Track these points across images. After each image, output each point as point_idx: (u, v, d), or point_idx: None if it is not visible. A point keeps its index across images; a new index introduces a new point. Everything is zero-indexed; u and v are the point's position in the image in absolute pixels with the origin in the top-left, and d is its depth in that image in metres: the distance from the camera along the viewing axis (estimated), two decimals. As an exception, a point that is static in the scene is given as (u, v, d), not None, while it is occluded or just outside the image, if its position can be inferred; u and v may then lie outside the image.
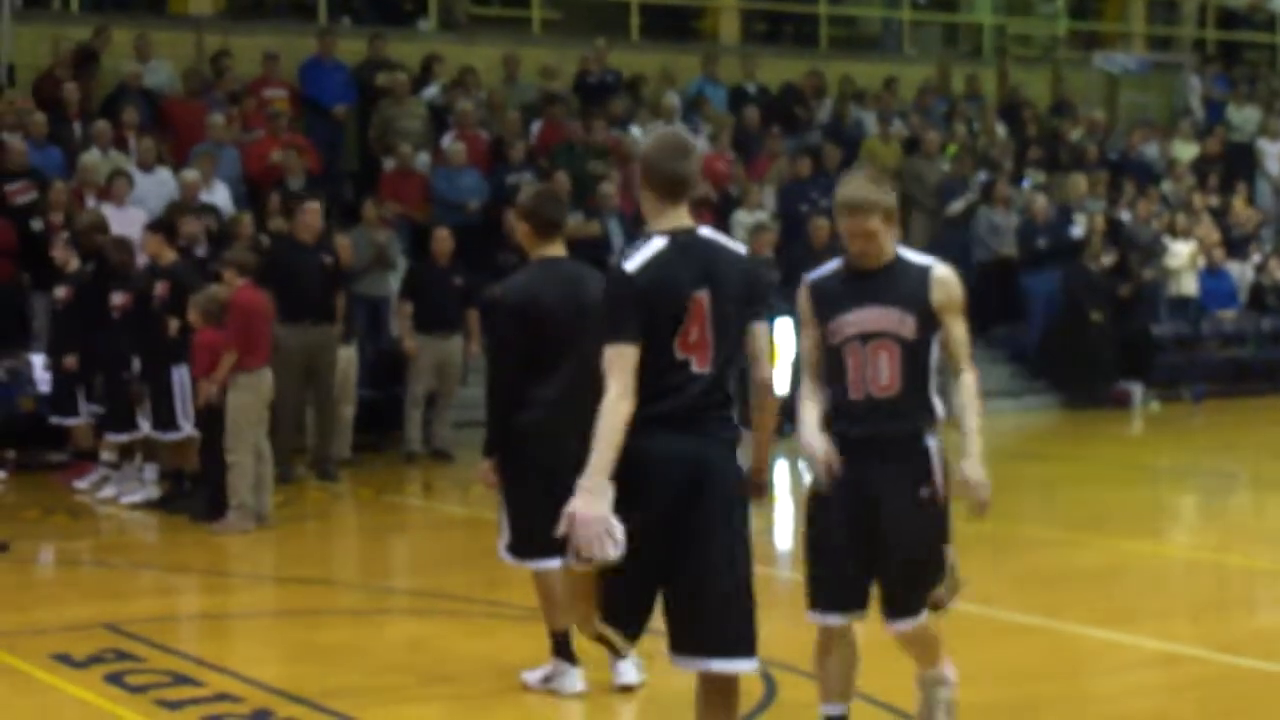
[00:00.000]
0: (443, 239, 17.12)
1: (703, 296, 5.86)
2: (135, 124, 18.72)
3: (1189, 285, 23.22)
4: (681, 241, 5.92)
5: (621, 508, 5.68)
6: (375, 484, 15.92)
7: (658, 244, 5.91)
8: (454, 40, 23.06)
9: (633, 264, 5.87)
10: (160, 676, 8.71)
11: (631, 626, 5.95)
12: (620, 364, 5.73)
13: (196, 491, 13.78)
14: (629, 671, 8.09)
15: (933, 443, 6.49)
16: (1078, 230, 22.26)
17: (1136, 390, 21.80)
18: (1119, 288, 21.88)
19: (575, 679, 8.09)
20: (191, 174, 17.84)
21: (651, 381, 5.79)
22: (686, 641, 5.90)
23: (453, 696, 8.36)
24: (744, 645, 5.95)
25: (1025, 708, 8.08)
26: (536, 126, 21.17)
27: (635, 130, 21.37)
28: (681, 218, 5.97)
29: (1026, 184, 23.51)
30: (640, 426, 5.76)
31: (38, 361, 16.14)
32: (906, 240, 21.17)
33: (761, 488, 6.33)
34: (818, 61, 25.23)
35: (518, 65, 22.15)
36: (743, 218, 20.18)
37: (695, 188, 6.06)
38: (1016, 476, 16.14)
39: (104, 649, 9.26)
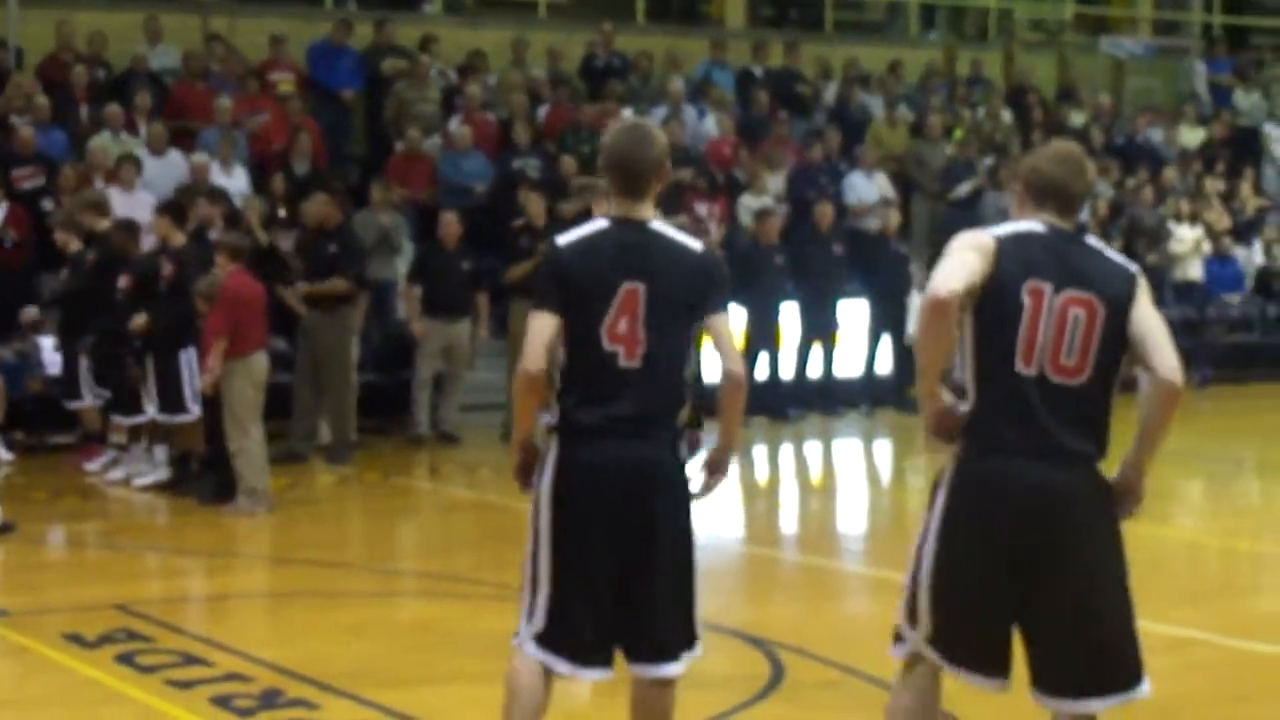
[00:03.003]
0: (450, 223, 17.20)
1: (636, 288, 5.75)
2: (147, 107, 18.74)
3: (1194, 270, 23.22)
4: (626, 229, 5.84)
5: (565, 514, 5.76)
6: (383, 467, 15.95)
7: (599, 224, 5.89)
8: (460, 24, 23.06)
9: (566, 238, 5.88)
10: (170, 657, 8.76)
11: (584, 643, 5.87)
12: (534, 330, 5.75)
13: (204, 474, 13.83)
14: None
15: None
16: (1083, 215, 22.24)
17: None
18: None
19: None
20: (201, 157, 17.87)
21: (580, 369, 5.77)
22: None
23: (462, 677, 8.39)
24: (675, 646, 5.91)
25: (1032, 690, 8.11)
26: (543, 110, 21.17)
27: (626, 112, 21.34)
28: (638, 210, 5.87)
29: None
30: (575, 426, 5.77)
31: (47, 344, 16.16)
32: (910, 225, 21.41)
33: (716, 468, 6.04)
34: (823, 45, 25.22)
35: (526, 49, 22.14)
36: (749, 202, 20.19)
37: (656, 180, 5.90)
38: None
39: (114, 629, 9.31)
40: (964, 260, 5.41)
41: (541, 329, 5.75)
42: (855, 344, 19.70)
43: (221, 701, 7.88)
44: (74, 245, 15.04)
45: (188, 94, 19.61)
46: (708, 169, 20.74)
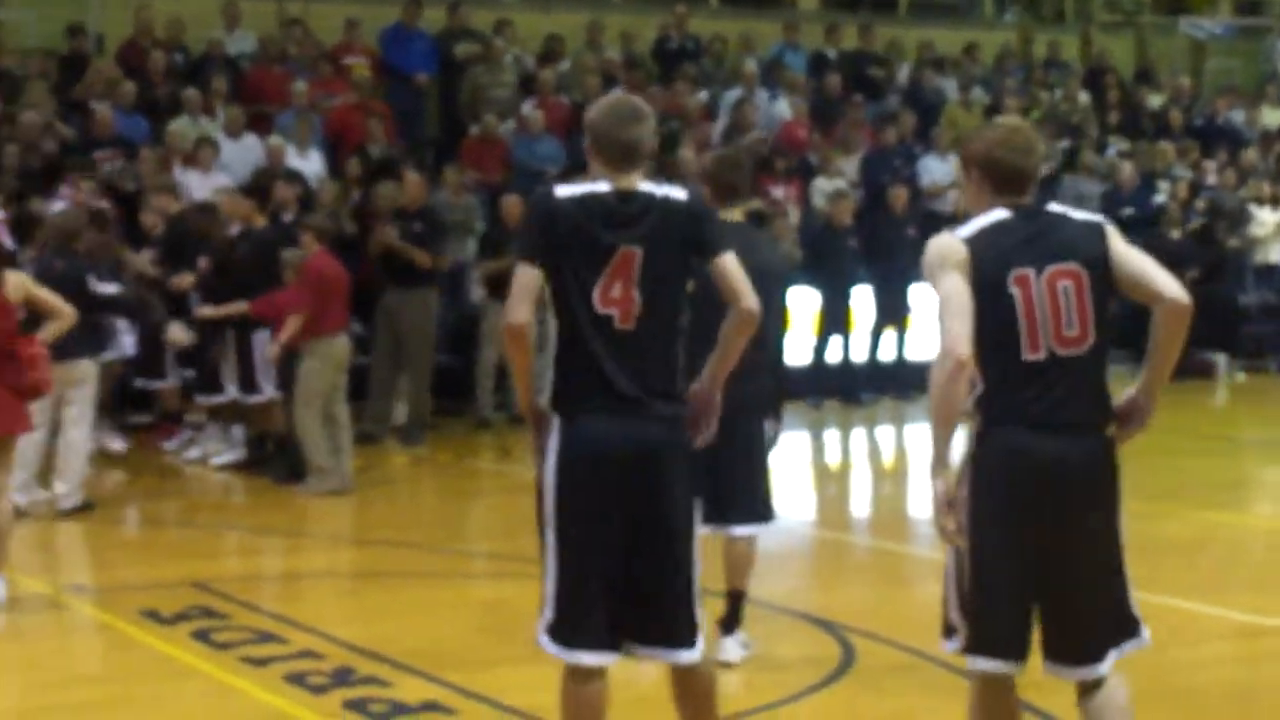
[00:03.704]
0: (512, 205, 17.17)
1: (634, 252, 5.61)
2: (223, 92, 18.88)
3: (1276, 254, 22.99)
4: (623, 194, 5.67)
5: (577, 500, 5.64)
6: (455, 448, 16.01)
7: (602, 185, 5.70)
8: (534, 7, 23.08)
9: (564, 191, 5.70)
10: (245, 634, 8.85)
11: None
12: (519, 283, 5.62)
13: (279, 454, 13.93)
14: (732, 649, 8.14)
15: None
16: (1161, 198, 22.10)
17: (1221, 360, 21.55)
18: (1201, 257, 21.65)
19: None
20: (278, 140, 18.00)
21: (574, 336, 5.64)
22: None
23: (532, 657, 8.37)
24: (687, 634, 5.77)
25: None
26: (616, 93, 21.16)
27: (703, 94, 21.43)
28: (629, 181, 5.71)
29: (1111, 151, 23.34)
30: (575, 402, 5.65)
31: (124, 325, 16.23)
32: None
33: (703, 404, 5.81)
34: (896, 27, 25.12)
35: (600, 32, 22.17)
36: (823, 185, 20.15)
37: (646, 156, 5.77)
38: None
39: (191, 606, 9.41)
40: (957, 291, 5.41)
41: (526, 281, 5.61)
42: (929, 328, 19.63)
43: (295, 679, 7.95)
44: (161, 228, 15.19)
45: (264, 78, 19.75)
46: (781, 151, 20.71)
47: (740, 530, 7.99)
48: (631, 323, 5.62)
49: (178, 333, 12.86)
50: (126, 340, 16.05)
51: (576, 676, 5.74)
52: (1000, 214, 5.56)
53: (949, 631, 5.67)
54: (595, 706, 5.76)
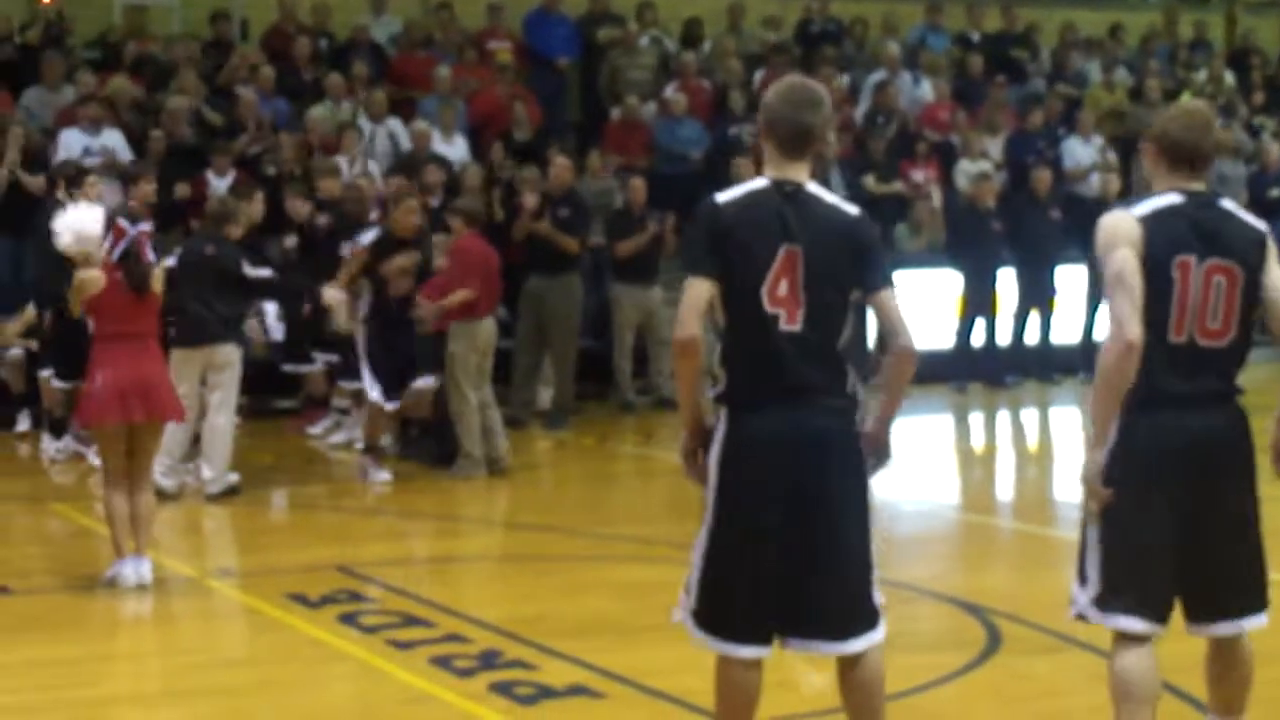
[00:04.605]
0: (637, 188, 17.14)
1: (796, 251, 5.57)
2: (365, 76, 19.01)
3: None
4: (786, 189, 5.64)
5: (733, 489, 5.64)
6: (598, 432, 16.05)
7: (760, 183, 5.69)
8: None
9: (725, 196, 5.70)
10: (391, 617, 8.92)
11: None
12: (690, 297, 5.59)
13: (426, 438, 14.00)
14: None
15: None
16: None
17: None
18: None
19: None
20: (422, 125, 18.08)
21: (742, 334, 5.60)
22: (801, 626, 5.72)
23: (676, 641, 8.39)
24: (866, 620, 5.70)
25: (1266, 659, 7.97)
26: (759, 76, 21.13)
27: (845, 77, 21.31)
28: (795, 172, 5.68)
29: (1264, 135, 22.99)
30: (742, 396, 5.61)
31: (270, 309, 16.39)
32: (1132, 188, 21.04)
33: (875, 444, 5.75)
34: (1039, 8, 24.87)
35: (741, 14, 22.14)
36: (966, 167, 19.99)
37: (820, 142, 5.74)
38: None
39: (337, 590, 9.49)
40: (1129, 269, 5.60)
41: (697, 296, 5.58)
42: (1073, 310, 19.44)
43: (441, 662, 8.00)
44: (305, 213, 15.28)
45: (408, 63, 19.89)
46: (923, 134, 20.59)
47: None
48: (798, 324, 5.58)
49: (333, 294, 12.93)
50: (272, 325, 16.23)
51: (731, 665, 5.72)
52: (1174, 198, 5.69)
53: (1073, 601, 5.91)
54: (750, 695, 5.74)
